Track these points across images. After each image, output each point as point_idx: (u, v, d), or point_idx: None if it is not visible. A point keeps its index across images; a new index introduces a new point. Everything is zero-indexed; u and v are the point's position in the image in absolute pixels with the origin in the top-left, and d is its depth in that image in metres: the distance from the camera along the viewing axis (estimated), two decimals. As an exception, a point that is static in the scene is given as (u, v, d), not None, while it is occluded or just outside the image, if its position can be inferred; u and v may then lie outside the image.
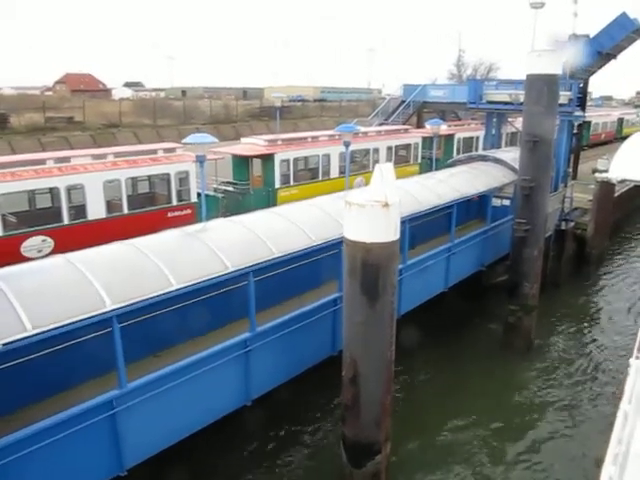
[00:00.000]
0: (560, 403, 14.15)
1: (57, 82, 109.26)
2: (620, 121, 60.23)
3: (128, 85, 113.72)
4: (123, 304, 7.67)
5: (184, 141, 12.51)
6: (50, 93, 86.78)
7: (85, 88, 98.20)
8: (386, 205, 8.87)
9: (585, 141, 44.21)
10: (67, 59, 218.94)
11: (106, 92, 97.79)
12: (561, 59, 15.22)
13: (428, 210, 14.14)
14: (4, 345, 6.54)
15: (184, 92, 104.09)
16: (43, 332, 6.80)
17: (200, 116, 56.75)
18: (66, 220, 15.69)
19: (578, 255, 23.92)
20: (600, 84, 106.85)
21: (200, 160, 11.97)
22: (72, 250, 15.71)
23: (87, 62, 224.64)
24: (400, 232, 9.28)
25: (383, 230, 9.03)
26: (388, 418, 10.33)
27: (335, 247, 10.93)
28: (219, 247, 9.41)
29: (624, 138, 59.31)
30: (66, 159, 16.10)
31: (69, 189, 15.75)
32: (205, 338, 10.84)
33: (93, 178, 16.01)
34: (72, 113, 47.79)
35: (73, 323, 7.09)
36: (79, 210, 16.07)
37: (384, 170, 9.05)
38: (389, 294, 9.57)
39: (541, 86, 15.16)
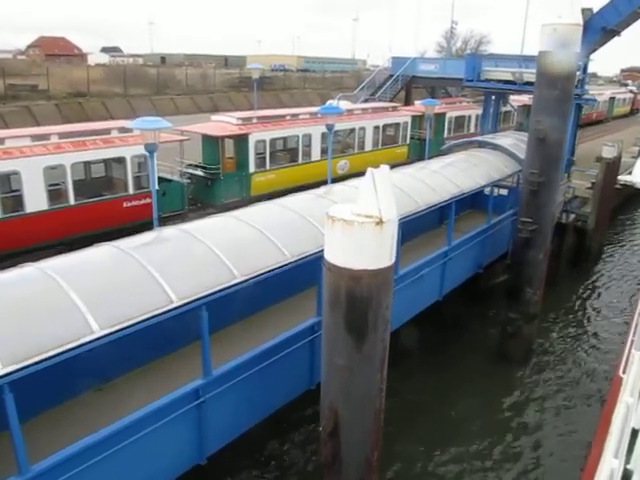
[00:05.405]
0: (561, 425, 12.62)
1: (30, 46, 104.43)
2: (611, 100, 58.36)
3: (105, 50, 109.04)
4: (15, 367, 5.52)
5: (130, 125, 10.19)
6: (23, 57, 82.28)
7: (59, 52, 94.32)
8: (380, 222, 6.80)
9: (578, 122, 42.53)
10: (44, 21, 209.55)
11: (81, 57, 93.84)
12: (580, 34, 13.01)
13: (424, 211, 12.07)
14: None
15: (163, 59, 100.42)
16: None
17: (176, 86, 53.46)
18: (-1, 213, 13.38)
19: (576, 249, 22.23)
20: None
21: (149, 150, 9.69)
22: (6, 249, 13.65)
23: (64, 25, 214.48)
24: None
25: (376, 254, 6.99)
26: (375, 475, 8.46)
27: (317, 260, 8.83)
28: (162, 271, 7.25)
29: (615, 118, 58.10)
30: (-1, 140, 13.68)
31: (1, 177, 13.36)
32: (158, 364, 8.96)
33: (31, 164, 13.59)
34: (38, 80, 44.39)
35: None
36: (15, 202, 13.71)
37: (377, 176, 6.92)
38: (380, 331, 7.58)
39: (556, 66, 13.06)
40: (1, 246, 13.30)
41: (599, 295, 20.06)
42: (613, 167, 22.25)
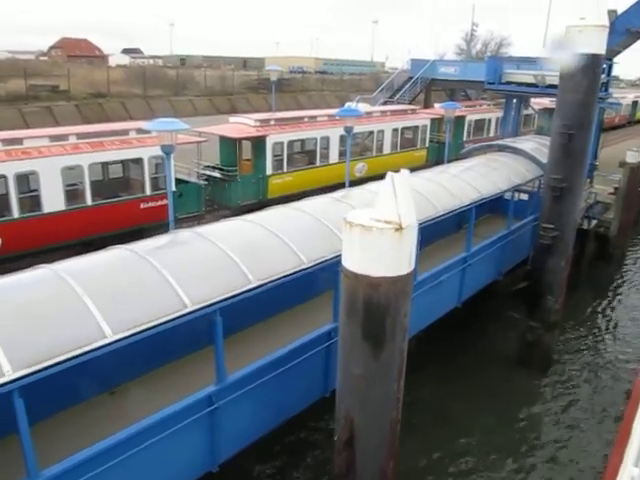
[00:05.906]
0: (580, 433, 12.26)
1: (52, 47, 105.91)
2: (634, 104, 57.47)
3: (126, 52, 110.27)
4: (25, 372, 5.44)
5: (146, 126, 10.12)
6: (45, 58, 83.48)
7: (81, 54, 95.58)
8: (400, 229, 6.60)
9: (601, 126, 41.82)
10: (66, 23, 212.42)
11: (103, 58, 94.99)
12: (606, 36, 12.70)
13: (443, 216, 11.84)
14: None
15: (183, 60, 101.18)
16: None
17: (194, 87, 53.76)
18: (16, 214, 13.40)
19: (598, 255, 21.79)
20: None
21: (166, 151, 9.62)
22: (24, 249, 13.70)
23: (87, 27, 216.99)
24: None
25: (395, 261, 6.76)
26: (390, 487, 8.25)
27: (334, 265, 8.66)
28: (176, 275, 7.13)
29: (638, 122, 57.10)
30: (17, 141, 13.69)
31: (19, 177, 13.40)
32: (170, 368, 8.85)
33: (49, 164, 13.62)
34: (59, 81, 44.88)
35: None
36: (33, 202, 13.75)
37: (397, 181, 6.74)
38: (399, 340, 7.38)
39: (580, 68, 12.75)
40: (18, 246, 13.35)
41: (621, 302, 19.63)
42: (637, 172, 21.79)
